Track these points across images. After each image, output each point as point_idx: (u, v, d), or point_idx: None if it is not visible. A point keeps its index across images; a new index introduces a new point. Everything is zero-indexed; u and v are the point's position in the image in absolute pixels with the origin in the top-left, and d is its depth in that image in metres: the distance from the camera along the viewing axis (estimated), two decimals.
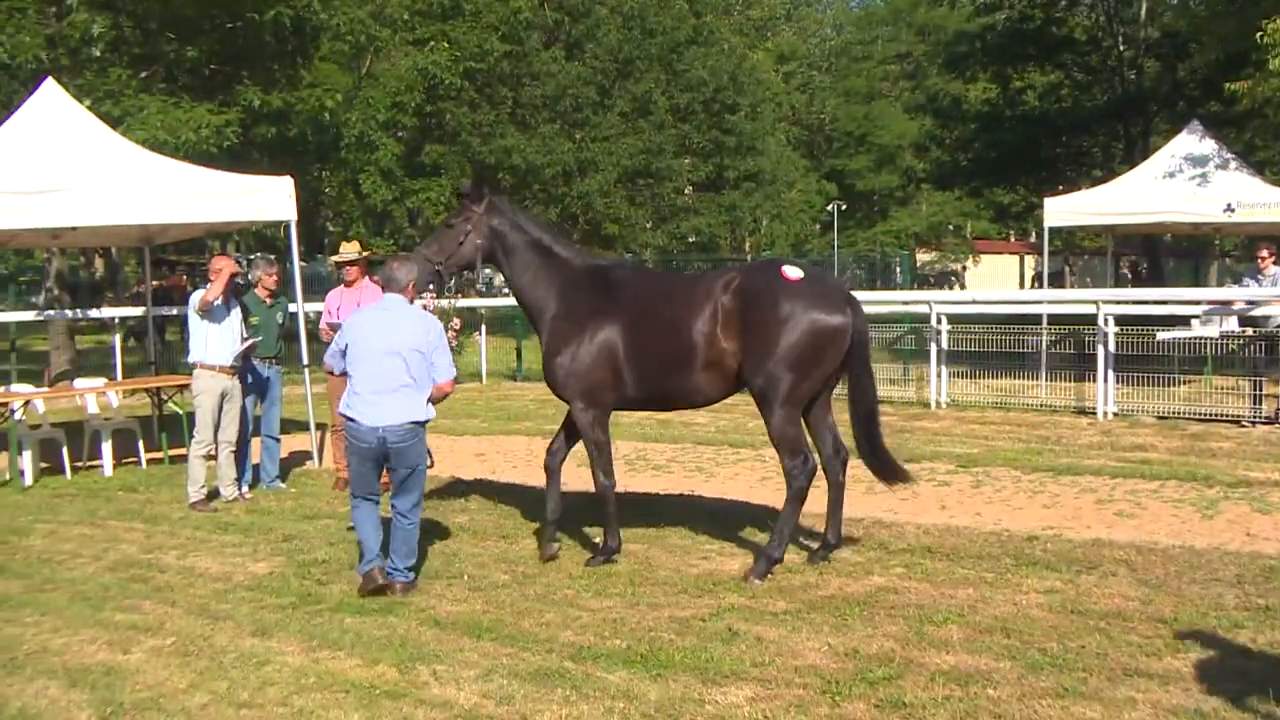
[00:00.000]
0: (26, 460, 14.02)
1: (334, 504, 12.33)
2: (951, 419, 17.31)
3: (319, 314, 13.99)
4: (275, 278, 13.73)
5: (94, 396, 15.62)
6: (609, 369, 9.42)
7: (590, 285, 9.70)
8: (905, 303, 22.81)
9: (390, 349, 8.62)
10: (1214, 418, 16.24)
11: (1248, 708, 6.17)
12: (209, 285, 12.52)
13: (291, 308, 14.57)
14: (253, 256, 27.71)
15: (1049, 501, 11.58)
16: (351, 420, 8.68)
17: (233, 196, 14.92)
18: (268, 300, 13.41)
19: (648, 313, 9.46)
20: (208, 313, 12.26)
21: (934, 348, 18.47)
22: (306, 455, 15.09)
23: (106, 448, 14.65)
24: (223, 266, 12.56)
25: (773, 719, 6.27)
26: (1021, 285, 67.67)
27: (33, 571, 9.92)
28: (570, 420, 9.80)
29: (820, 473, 9.32)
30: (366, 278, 13.21)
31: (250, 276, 13.50)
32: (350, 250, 13.25)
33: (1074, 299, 21.55)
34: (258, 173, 16.43)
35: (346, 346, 8.81)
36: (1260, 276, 17.26)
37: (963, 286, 71.95)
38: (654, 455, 15.08)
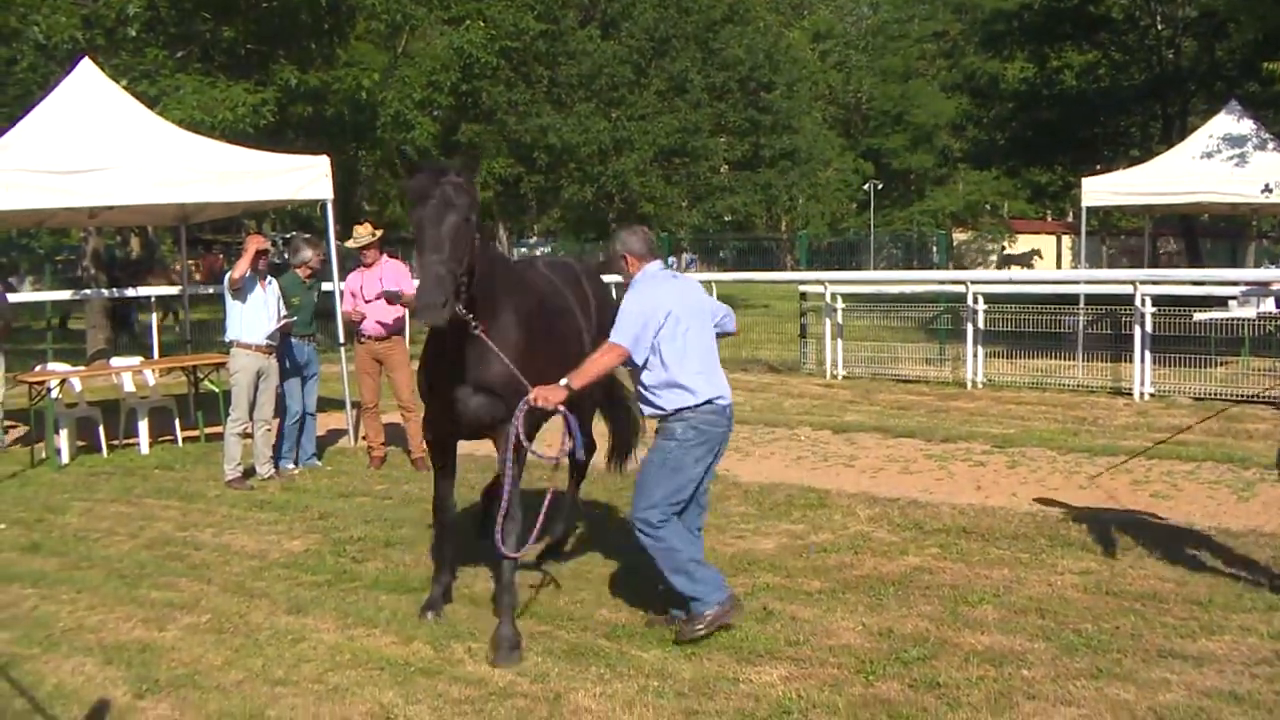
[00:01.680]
0: (63, 438, 14.07)
1: (369, 482, 12.38)
2: (987, 399, 17.21)
3: None
4: (321, 258, 13.76)
5: (130, 375, 15.68)
6: None
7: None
8: (941, 282, 22.70)
9: (705, 319, 7.31)
10: (1251, 399, 16.12)
11: None
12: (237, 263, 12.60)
13: (328, 287, 14.57)
14: (289, 236, 27.67)
15: (1085, 482, 11.52)
16: (706, 404, 7.10)
17: (269, 176, 14.95)
18: (306, 280, 13.39)
19: (544, 309, 7.99)
20: (238, 291, 12.29)
21: (970, 328, 18.37)
22: (342, 433, 15.12)
23: (143, 426, 14.71)
24: (250, 245, 12.62)
25: (807, 698, 6.27)
26: (1059, 265, 67.11)
27: (69, 549, 9.99)
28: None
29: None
30: (384, 255, 13.27)
31: (298, 257, 13.42)
32: (364, 234, 13.06)
33: (1111, 279, 21.38)
34: (294, 152, 16.45)
35: (662, 325, 7.06)
36: None
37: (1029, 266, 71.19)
38: None
